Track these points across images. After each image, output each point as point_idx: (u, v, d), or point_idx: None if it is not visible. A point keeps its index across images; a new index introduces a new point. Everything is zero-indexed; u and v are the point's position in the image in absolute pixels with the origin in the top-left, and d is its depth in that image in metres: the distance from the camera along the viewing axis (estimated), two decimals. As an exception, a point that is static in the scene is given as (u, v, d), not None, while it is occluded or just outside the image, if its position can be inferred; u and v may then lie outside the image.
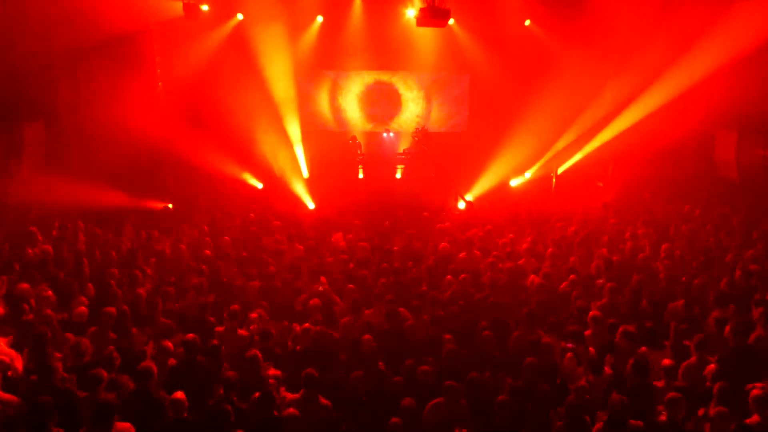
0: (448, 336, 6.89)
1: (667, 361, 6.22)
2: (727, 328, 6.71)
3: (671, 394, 5.48)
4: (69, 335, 6.85)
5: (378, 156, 16.70)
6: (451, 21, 15.00)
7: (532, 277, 8.97)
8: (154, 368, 5.89)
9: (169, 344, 6.57)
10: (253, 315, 7.41)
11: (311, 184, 15.44)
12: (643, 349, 6.54)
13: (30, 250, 9.57)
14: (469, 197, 14.57)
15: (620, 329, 6.63)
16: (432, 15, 9.17)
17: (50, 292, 7.75)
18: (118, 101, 13.81)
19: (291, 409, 5.42)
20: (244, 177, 16.01)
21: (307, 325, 7.00)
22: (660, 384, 6.02)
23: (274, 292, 8.47)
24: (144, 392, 5.73)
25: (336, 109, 17.28)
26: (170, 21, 13.53)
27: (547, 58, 15.47)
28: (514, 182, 16.47)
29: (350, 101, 17.21)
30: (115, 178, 13.79)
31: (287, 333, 7.34)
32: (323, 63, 16.60)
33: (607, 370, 6.25)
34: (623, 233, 11.20)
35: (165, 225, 12.12)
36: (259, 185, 16.05)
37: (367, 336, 6.79)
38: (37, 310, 7.32)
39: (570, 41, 15.23)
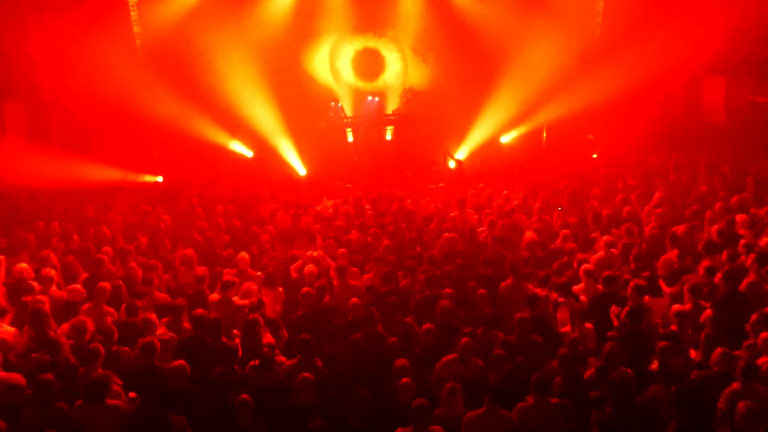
0: (447, 291, 6.94)
1: (678, 306, 6.29)
2: (718, 275, 6.79)
3: (662, 343, 5.58)
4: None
5: (366, 118, 16.52)
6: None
7: (526, 232, 9.02)
8: (157, 343, 5.95)
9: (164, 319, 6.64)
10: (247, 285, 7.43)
11: (301, 150, 15.33)
12: (646, 298, 6.60)
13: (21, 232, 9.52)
14: (458, 156, 14.53)
15: (631, 284, 6.64)
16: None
17: (53, 272, 7.73)
18: (97, 70, 13.54)
19: (305, 374, 5.47)
20: (234, 145, 15.86)
21: (306, 288, 7.03)
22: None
23: (267, 260, 8.50)
24: (148, 365, 5.80)
25: (320, 71, 16.93)
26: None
27: (528, 8, 15.14)
28: (505, 138, 16.40)
29: (334, 64, 16.86)
30: (101, 152, 13.66)
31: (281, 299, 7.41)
32: (307, 27, 16.21)
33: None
34: (615, 185, 11.26)
35: (156, 198, 12.09)
36: (249, 153, 15.93)
37: (354, 300, 6.89)
38: (41, 290, 7.32)
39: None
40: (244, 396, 5.16)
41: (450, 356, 5.81)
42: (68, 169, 12.55)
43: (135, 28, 14.10)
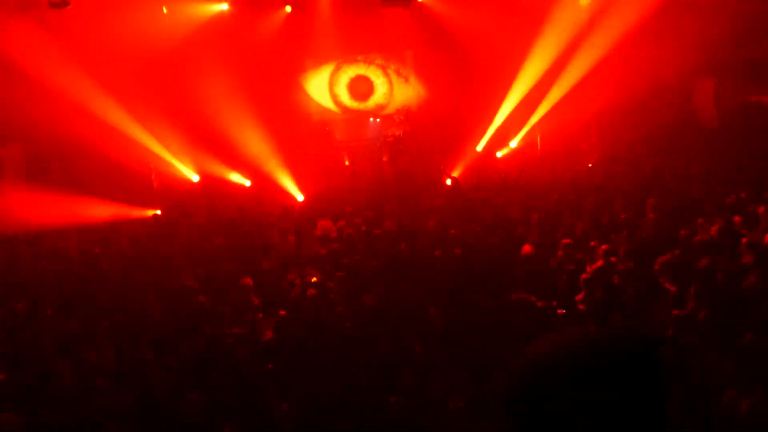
0: (441, 309, 6.95)
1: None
2: (719, 276, 6.78)
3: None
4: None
5: (363, 141, 16.63)
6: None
7: (524, 246, 9.03)
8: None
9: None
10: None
11: (298, 177, 15.39)
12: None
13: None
14: (454, 174, 14.60)
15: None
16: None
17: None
18: (93, 115, 13.71)
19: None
20: (232, 176, 15.95)
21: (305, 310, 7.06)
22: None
23: (267, 287, 8.51)
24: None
25: (305, 100, 17.09)
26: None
27: (517, 25, 15.29)
28: (500, 153, 16.48)
29: (332, 89, 17.04)
30: (100, 189, 13.73)
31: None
32: (296, 53, 16.42)
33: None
34: (611, 194, 11.30)
35: (156, 232, 12.14)
36: (247, 183, 16.01)
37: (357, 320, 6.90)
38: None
39: (539, 7, 15.08)
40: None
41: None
42: (67, 207, 12.62)
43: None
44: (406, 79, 16.97)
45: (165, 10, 13.59)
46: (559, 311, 6.62)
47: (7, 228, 11.39)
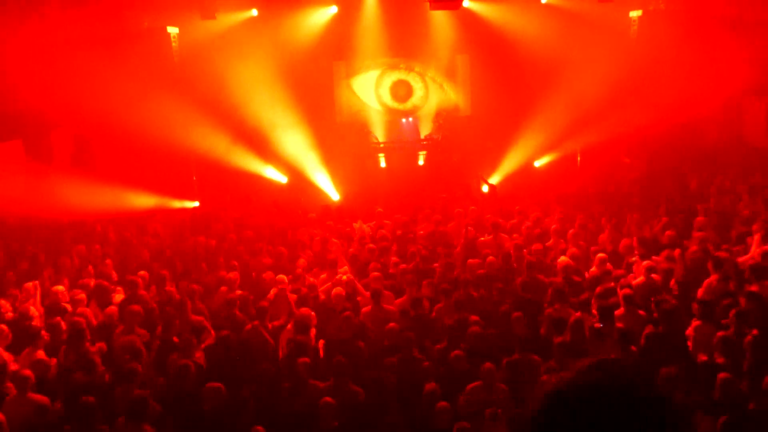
0: (474, 318, 6.85)
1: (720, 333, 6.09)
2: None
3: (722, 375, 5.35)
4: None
5: (399, 143, 16.61)
6: (466, 3, 14.89)
7: (561, 257, 8.88)
8: (192, 366, 5.99)
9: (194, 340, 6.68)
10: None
11: (335, 176, 15.45)
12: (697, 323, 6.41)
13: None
14: (492, 180, 14.45)
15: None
16: (445, -1, 9.06)
17: (84, 294, 7.92)
18: (139, 99, 13.95)
19: (327, 398, 5.44)
20: (268, 172, 16.10)
21: (347, 312, 7.03)
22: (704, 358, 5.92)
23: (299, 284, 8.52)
24: (180, 388, 5.84)
25: (354, 99, 17.19)
26: (187, 19, 13.56)
27: (566, 36, 15.08)
28: (538, 163, 16.26)
29: (377, 91, 17.14)
30: (142, 180, 13.99)
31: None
32: (337, 54, 16.49)
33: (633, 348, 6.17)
34: (654, 209, 11.03)
35: (193, 224, 12.30)
36: (284, 179, 16.13)
37: (392, 325, 6.82)
38: (73, 311, 7.50)
39: (589, 16, 14.86)
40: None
41: (475, 383, 5.72)
42: (109, 195, 12.88)
43: (175, 58, 14.48)
44: (441, 86, 17.16)
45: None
46: (596, 325, 6.46)
47: (51, 212, 11.67)
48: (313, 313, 7.48)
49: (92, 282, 8.65)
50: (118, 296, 8.35)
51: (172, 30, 13.41)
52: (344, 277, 8.32)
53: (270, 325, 7.46)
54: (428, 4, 9.94)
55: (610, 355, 5.85)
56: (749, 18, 12.84)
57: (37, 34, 11.44)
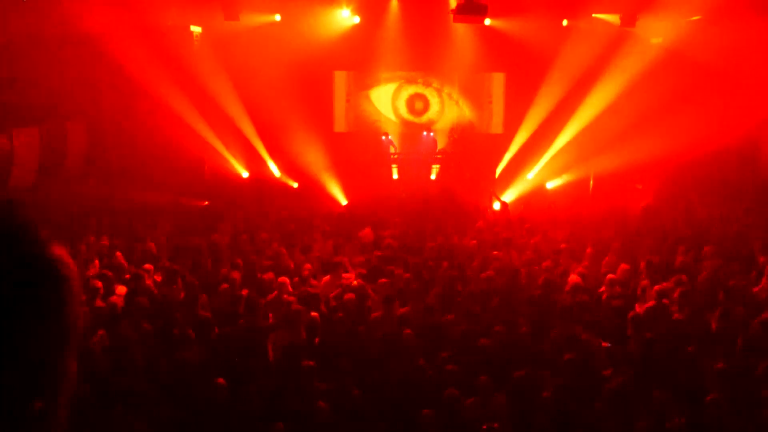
0: (482, 330, 6.79)
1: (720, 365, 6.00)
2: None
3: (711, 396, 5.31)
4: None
5: (414, 155, 16.64)
6: (487, 21, 14.95)
7: (571, 276, 8.80)
8: (193, 359, 5.95)
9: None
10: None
11: (345, 183, 15.46)
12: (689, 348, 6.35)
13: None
14: (504, 198, 14.41)
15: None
16: (469, 9, 9.09)
17: (99, 283, 7.87)
18: (157, 102, 14.06)
19: (320, 403, 5.37)
20: (281, 176, 16.16)
21: (341, 314, 6.97)
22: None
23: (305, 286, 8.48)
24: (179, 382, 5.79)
25: (371, 109, 17.28)
26: (211, 21, 13.66)
27: (590, 58, 15.07)
28: (551, 184, 16.22)
29: (394, 103, 17.27)
30: (154, 177, 14.04)
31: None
32: (358, 64, 16.58)
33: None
34: (664, 236, 10.93)
35: (203, 222, 12.31)
36: (295, 184, 16.16)
37: (407, 330, 6.75)
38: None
39: (608, 43, 14.86)
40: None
41: (473, 398, 5.64)
42: (122, 189, 12.93)
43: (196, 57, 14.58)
44: (457, 102, 17.29)
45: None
46: (603, 344, 6.37)
47: (66, 204, 11.72)
48: (317, 315, 7.42)
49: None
50: (121, 288, 8.30)
51: (195, 29, 13.51)
52: (354, 282, 8.27)
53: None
54: (452, 16, 9.97)
55: (621, 377, 5.79)
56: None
57: (62, 24, 11.54)
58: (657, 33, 14.86)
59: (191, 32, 13.58)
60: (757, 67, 13.82)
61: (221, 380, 5.59)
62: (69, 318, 0.91)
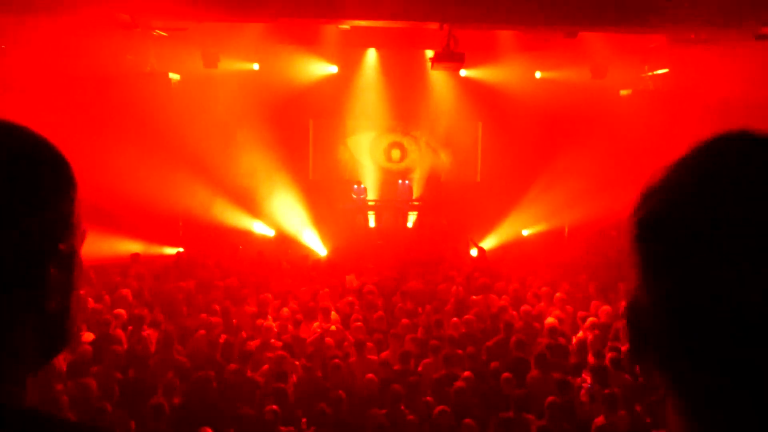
0: (463, 374, 6.71)
1: None
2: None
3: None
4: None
5: (390, 203, 16.72)
6: (463, 72, 15.34)
7: (547, 319, 8.80)
8: (165, 405, 5.74)
9: (177, 381, 6.42)
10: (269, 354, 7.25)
11: (321, 233, 15.40)
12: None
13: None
14: (481, 244, 14.48)
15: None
16: (447, 57, 9.34)
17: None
18: (131, 148, 13.97)
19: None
20: (255, 226, 16.03)
21: (336, 360, 6.85)
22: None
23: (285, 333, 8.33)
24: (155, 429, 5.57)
25: (347, 158, 17.41)
26: (190, 68, 13.72)
27: (563, 109, 15.46)
28: (526, 232, 16.37)
29: (364, 150, 17.39)
30: (126, 227, 13.79)
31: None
32: (335, 113, 16.77)
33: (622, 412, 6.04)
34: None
35: (177, 269, 12.09)
36: (271, 233, 16.04)
37: (370, 375, 6.65)
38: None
39: (583, 92, 15.26)
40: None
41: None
42: (93, 240, 12.63)
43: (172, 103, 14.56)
44: (435, 151, 17.52)
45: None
46: (584, 386, 6.32)
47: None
48: (297, 362, 7.27)
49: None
50: (88, 335, 8.03)
51: (174, 76, 13.59)
52: (333, 327, 8.16)
53: (249, 372, 7.21)
54: (430, 63, 10.21)
55: (601, 416, 5.73)
56: (738, 102, 13.23)
57: (34, 66, 11.53)
58: (626, 85, 15.34)
59: (169, 79, 13.62)
60: (725, 118, 14.31)
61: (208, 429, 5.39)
62: (72, 204, 0.96)
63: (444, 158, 17.57)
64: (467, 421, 5.57)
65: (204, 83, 14.14)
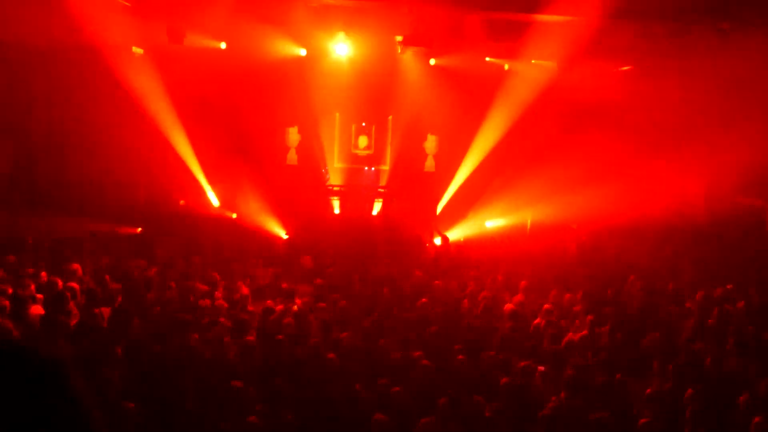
0: (420, 355, 6.72)
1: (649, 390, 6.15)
2: (708, 359, 6.72)
3: (643, 420, 5.41)
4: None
5: (356, 190, 16.62)
6: (432, 61, 15.30)
7: (507, 305, 8.89)
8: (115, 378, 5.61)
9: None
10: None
11: (284, 217, 15.24)
12: (618, 375, 6.47)
13: None
14: (445, 233, 14.54)
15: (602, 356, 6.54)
16: (416, 40, 9.30)
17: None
18: (93, 123, 13.61)
19: (252, 417, 5.15)
20: (218, 208, 15.80)
21: (280, 336, 6.78)
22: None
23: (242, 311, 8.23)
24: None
25: (313, 146, 17.17)
26: (154, 43, 13.37)
27: (521, 102, 15.54)
28: (490, 223, 16.49)
29: (331, 135, 17.17)
30: (86, 203, 13.47)
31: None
32: (304, 97, 16.52)
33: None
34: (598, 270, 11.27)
35: (135, 248, 11.84)
36: (233, 215, 15.83)
37: (331, 354, 6.62)
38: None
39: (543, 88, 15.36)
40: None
41: (428, 418, 5.53)
42: (49, 214, 12.29)
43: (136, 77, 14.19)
44: (401, 139, 17.24)
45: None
46: (539, 368, 6.40)
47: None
48: (252, 338, 7.18)
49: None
50: (36, 308, 7.80)
51: (137, 50, 13.25)
52: (294, 308, 8.10)
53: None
54: (399, 48, 10.13)
55: (557, 400, 5.80)
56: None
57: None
58: (589, 81, 15.46)
59: (132, 53, 13.27)
60: (684, 118, 14.63)
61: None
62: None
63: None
64: (443, 400, 5.55)
65: (168, 59, 13.79)
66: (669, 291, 9.73)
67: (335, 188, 16.47)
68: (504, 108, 15.69)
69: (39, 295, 8.03)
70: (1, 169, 13.71)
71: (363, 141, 17.30)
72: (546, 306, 8.58)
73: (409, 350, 7.01)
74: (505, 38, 13.11)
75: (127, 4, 10.41)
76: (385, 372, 6.69)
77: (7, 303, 7.34)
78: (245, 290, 9.01)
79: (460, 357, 6.81)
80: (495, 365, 6.78)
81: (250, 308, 8.59)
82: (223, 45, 14.62)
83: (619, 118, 15.11)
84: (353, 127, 17.03)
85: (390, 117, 16.94)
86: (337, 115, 16.95)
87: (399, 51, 10.45)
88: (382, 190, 16.67)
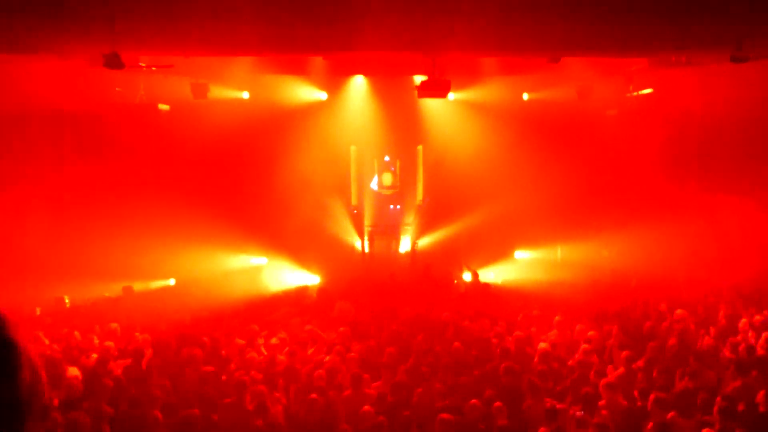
0: (454, 405, 6.63)
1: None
2: (761, 394, 6.48)
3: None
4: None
5: (384, 228, 16.56)
6: (452, 96, 15.35)
7: (540, 345, 8.74)
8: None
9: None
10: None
11: (315, 258, 15.29)
12: (672, 414, 6.25)
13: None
14: (474, 268, 14.44)
15: (652, 396, 6.34)
16: (433, 86, 9.40)
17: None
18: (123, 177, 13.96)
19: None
20: (250, 252, 15.92)
21: (314, 395, 6.77)
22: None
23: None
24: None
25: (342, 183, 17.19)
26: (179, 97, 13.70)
27: (549, 130, 15.48)
28: (519, 255, 16.34)
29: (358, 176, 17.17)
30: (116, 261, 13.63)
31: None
32: (329, 138, 16.60)
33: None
34: (633, 302, 11.04)
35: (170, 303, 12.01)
36: (264, 261, 15.97)
37: (367, 407, 6.56)
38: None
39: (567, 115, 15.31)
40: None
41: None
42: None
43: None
44: (416, 175, 17.10)
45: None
46: (578, 414, 6.26)
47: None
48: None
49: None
50: (72, 370, 7.93)
51: (163, 107, 13.63)
52: (327, 358, 8.10)
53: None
54: (416, 93, 10.25)
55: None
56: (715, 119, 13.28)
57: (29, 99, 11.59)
58: (611, 105, 15.40)
59: (159, 110, 13.64)
60: (706, 139, 14.44)
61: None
62: (24, 382, 0.99)
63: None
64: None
65: (194, 112, 14.12)
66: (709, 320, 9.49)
67: (367, 228, 16.41)
68: (527, 137, 15.63)
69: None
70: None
71: (387, 179, 17.20)
72: (585, 346, 8.40)
73: (446, 399, 6.91)
74: (523, 72, 13.21)
75: (153, 69, 10.78)
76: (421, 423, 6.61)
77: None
78: (275, 341, 9.02)
79: (496, 405, 6.68)
80: (532, 411, 6.65)
81: (281, 360, 8.59)
82: (245, 94, 14.98)
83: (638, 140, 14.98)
84: (375, 163, 16.92)
85: (420, 147, 16.79)
86: (355, 149, 16.84)
87: (416, 96, 10.56)
88: (407, 226, 16.56)
